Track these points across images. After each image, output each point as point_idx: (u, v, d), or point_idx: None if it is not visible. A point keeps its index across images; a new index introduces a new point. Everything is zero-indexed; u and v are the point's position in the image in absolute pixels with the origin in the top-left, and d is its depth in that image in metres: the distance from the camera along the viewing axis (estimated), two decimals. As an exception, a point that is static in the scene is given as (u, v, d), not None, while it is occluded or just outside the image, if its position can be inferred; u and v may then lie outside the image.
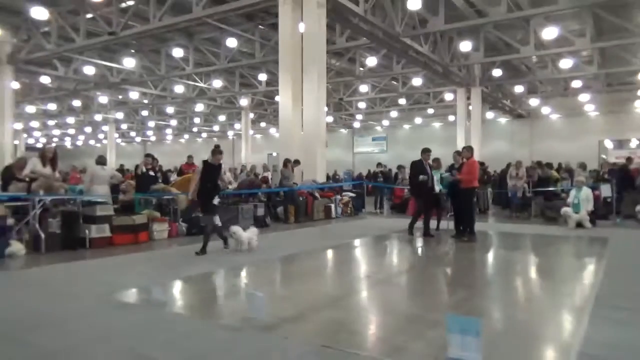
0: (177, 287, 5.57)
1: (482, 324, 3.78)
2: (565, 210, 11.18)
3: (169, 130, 43.54)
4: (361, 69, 20.77)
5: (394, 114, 32.89)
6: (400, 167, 17.84)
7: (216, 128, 40.03)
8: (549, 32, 15.22)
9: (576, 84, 23.92)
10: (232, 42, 17.37)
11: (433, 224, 10.07)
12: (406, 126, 36.24)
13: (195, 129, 41.48)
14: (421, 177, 9.48)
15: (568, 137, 29.37)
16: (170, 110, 32.48)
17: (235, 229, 7.51)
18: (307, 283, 5.94)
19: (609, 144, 28.93)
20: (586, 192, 11.22)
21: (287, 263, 7.33)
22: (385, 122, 35.88)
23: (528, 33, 16.16)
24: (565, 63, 18.89)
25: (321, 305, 4.69)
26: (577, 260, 7.88)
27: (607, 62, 20.50)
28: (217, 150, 7.84)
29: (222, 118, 35.12)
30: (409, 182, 10.02)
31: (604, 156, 28.01)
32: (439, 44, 17.77)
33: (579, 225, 10.86)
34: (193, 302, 5.09)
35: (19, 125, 34.25)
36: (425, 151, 9.81)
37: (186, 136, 46.23)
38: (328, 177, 20.75)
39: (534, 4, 14.31)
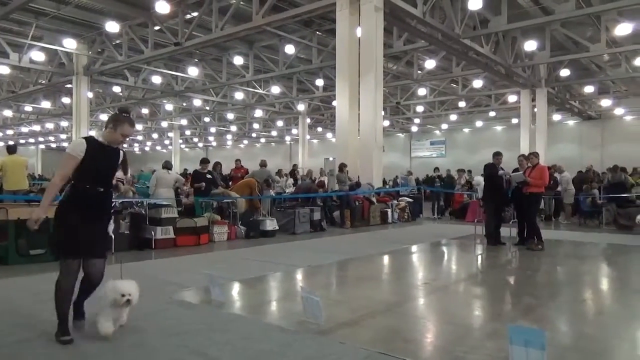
0: (236, 288, 5.72)
1: (547, 336, 3.60)
2: (641, 218, 10.43)
3: (229, 136, 44.92)
4: (419, 72, 20.45)
5: (453, 117, 32.06)
6: (460, 171, 17.40)
7: (274, 133, 40.86)
8: (623, 28, 14.28)
9: (654, 82, 22.26)
10: (290, 49, 17.70)
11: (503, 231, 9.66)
12: (466, 129, 35.23)
13: (254, 134, 42.53)
14: (501, 172, 9.15)
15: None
16: (230, 116, 33.56)
17: (111, 283, 3.73)
18: (362, 288, 5.90)
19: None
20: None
21: (342, 267, 7.33)
22: (444, 126, 35.05)
23: (599, 30, 15.25)
24: (641, 61, 17.62)
25: (377, 311, 4.65)
26: (654, 272, 7.32)
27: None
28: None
29: (280, 123, 35.84)
30: (485, 184, 9.60)
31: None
32: (501, 44, 17.15)
33: (657, 234, 10.09)
34: (250, 303, 5.21)
35: (93, 132, 36.67)
36: (497, 154, 9.46)
37: (245, 141, 47.51)
38: (385, 182, 20.60)
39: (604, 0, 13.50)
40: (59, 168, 3.63)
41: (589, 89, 23.84)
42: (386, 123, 31.90)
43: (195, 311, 4.56)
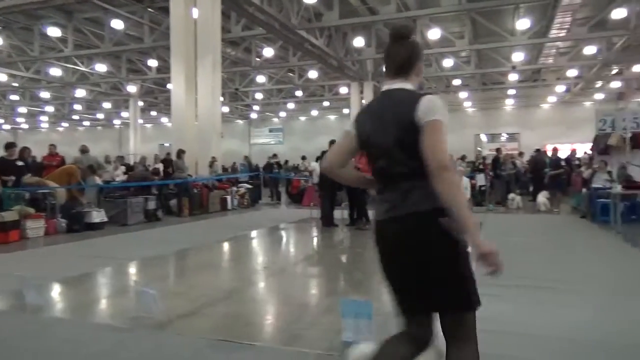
0: (57, 289, 5.10)
1: (374, 306, 3.97)
2: (447, 198, 12.17)
3: (44, 118, 39.43)
4: (257, 59, 20.56)
5: (290, 105, 33.11)
6: (303, 158, 18.50)
7: (100, 116, 37.14)
8: (433, 33, 16.34)
9: (456, 82, 26.07)
10: (117, 24, 16.16)
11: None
12: (302, 118, 36.74)
13: (75, 117, 38.06)
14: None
15: (450, 130, 30.97)
16: (45, 95, 29.40)
17: None
18: (202, 277, 5.77)
19: (483, 137, 31.97)
20: (465, 181, 12.29)
21: (180, 258, 7.06)
22: (282, 114, 36.02)
23: (415, 32, 17.19)
24: (447, 62, 20.43)
25: (217, 299, 4.59)
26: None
27: (483, 63, 22.58)
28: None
29: (107, 105, 32.62)
30: (321, 172, 10.04)
31: (479, 148, 30.95)
32: (334, 38, 18.20)
33: (459, 211, 11.86)
34: (75, 304, 4.68)
35: None
36: (333, 143, 9.97)
37: (65, 124, 42.27)
38: (225, 169, 20.37)
39: (420, 6, 15.27)
40: None
41: (407, 85, 26.79)
42: (225, 109, 31.44)
43: (4, 319, 3.93)
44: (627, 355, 3.04)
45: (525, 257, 6.22)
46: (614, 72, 25.15)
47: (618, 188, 8.62)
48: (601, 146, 10.81)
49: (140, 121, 31.34)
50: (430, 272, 1.82)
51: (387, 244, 1.92)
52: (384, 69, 2.04)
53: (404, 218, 1.83)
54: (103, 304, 4.71)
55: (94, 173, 10.80)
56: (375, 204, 2.03)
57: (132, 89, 26.96)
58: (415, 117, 1.82)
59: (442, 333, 1.90)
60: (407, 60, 1.96)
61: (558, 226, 6.49)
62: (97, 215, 9.52)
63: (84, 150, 11.68)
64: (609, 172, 10.19)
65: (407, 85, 1.96)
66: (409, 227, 1.82)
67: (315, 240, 8.71)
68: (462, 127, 31.72)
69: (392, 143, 1.87)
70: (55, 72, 22.81)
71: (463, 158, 15.93)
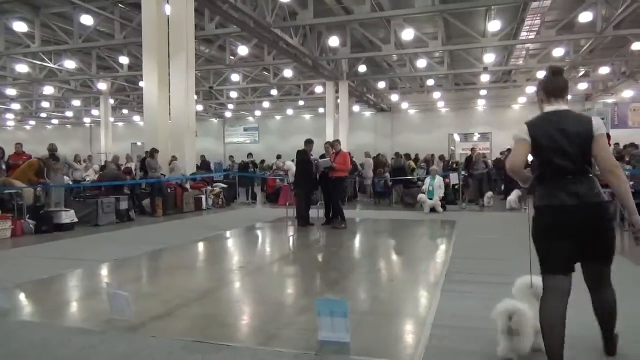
0: (25, 292, 4.94)
1: (349, 305, 3.99)
2: (420, 196, 12.34)
3: (9, 115, 38.18)
4: (232, 57, 20.39)
5: (265, 104, 32.95)
6: (278, 157, 18.44)
7: (70, 114, 36.20)
8: (407, 33, 16.50)
9: (430, 82, 26.42)
10: (87, 20, 15.77)
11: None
12: (278, 117, 36.60)
13: (43, 114, 36.99)
14: (312, 158, 9.71)
15: (423, 130, 32.34)
16: (11, 92, 28.46)
17: None
18: (176, 278, 5.69)
19: (456, 137, 32.49)
20: (439, 180, 12.47)
21: (154, 258, 6.94)
22: (257, 112, 35.80)
23: (389, 33, 17.33)
24: (421, 63, 20.66)
25: (191, 300, 4.53)
26: (430, 241, 8.74)
27: (455, 64, 22.95)
28: None
29: (77, 103, 31.79)
30: (296, 170, 10.00)
31: (452, 147, 31.46)
32: (309, 37, 18.18)
33: (433, 209, 12.04)
34: (44, 307, 4.55)
35: None
36: (309, 142, 10.00)
37: (32, 122, 41.03)
38: (198, 167, 20.13)
39: (394, 6, 15.40)
40: None
41: (381, 84, 27.05)
42: (199, 107, 31.08)
43: (-32, 324, 3.80)
44: (593, 350, 3.14)
45: (495, 254, 6.36)
46: (581, 73, 25.94)
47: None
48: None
49: (112, 119, 30.69)
50: (603, 240, 2.73)
51: (573, 220, 2.67)
52: (544, 95, 2.86)
53: (594, 204, 2.66)
54: (73, 306, 4.59)
55: (57, 160, 10.33)
56: (539, 195, 2.82)
57: (102, 86, 26.35)
58: (592, 131, 2.64)
59: (593, 281, 2.84)
60: (565, 88, 2.82)
61: (526, 224, 6.61)
62: (67, 216, 9.28)
63: (51, 149, 11.31)
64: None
65: (567, 106, 2.81)
66: (598, 211, 2.68)
67: (290, 239, 8.70)
68: (435, 127, 32.20)
69: (576, 149, 2.65)
70: (22, 68, 22.10)
71: (441, 158, 16.32)
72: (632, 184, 8.66)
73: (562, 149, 2.66)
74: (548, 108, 2.81)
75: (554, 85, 2.82)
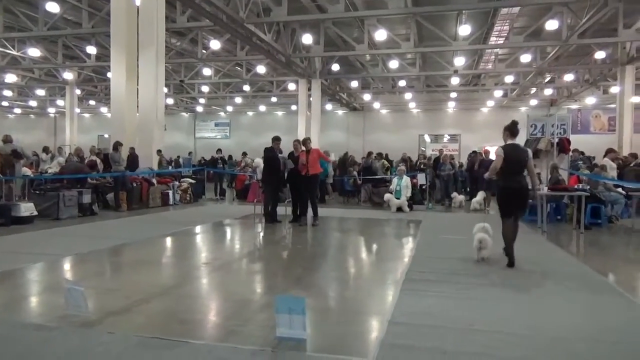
0: (-23, 286, 4.79)
1: (311, 302, 4.03)
2: (387, 196, 12.50)
3: (-31, 103, 36.67)
4: (204, 51, 20.11)
5: (238, 100, 32.65)
6: (244, 154, 18.25)
7: (33, 104, 35.02)
8: (380, 34, 16.64)
9: (402, 83, 26.73)
10: (53, 7, 15.28)
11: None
12: (250, 113, 36.33)
13: (5, 103, 35.65)
14: (280, 156, 9.81)
15: (394, 130, 32.70)
16: (-29, 79, 27.33)
17: None
18: (138, 274, 5.62)
19: (427, 137, 33.00)
20: (406, 180, 12.65)
21: (117, 253, 6.82)
22: (229, 108, 35.45)
23: (363, 33, 17.44)
24: (393, 64, 20.89)
25: (152, 296, 4.49)
26: (395, 240, 8.86)
27: (427, 66, 23.29)
28: None
29: (41, 93, 30.77)
30: (264, 167, 9.95)
31: (423, 148, 31.92)
32: (282, 34, 18.11)
33: (400, 209, 12.21)
34: (-3, 302, 4.43)
35: None
36: (276, 139, 9.97)
37: (-7, 111, 39.52)
38: (168, 162, 19.84)
39: (368, 6, 15.51)
40: None
41: (354, 84, 27.20)
42: (170, 101, 30.57)
43: None
44: (549, 348, 3.27)
45: (456, 254, 6.51)
46: (547, 80, 26.72)
47: (544, 189, 9.19)
48: (531, 149, 11.41)
49: (78, 110, 29.83)
50: (525, 203, 6.16)
51: (516, 193, 5.79)
52: (509, 134, 5.93)
53: (524, 188, 5.83)
54: (29, 301, 4.48)
55: (19, 158, 10.07)
56: (504, 180, 5.82)
57: (68, 76, 25.57)
58: (527, 156, 5.86)
59: (514, 220, 5.91)
60: (518, 132, 5.96)
61: (497, 232, 6.84)
62: (26, 209, 9.00)
63: (5, 140, 10.87)
64: (538, 174, 10.80)
65: (517, 141, 5.97)
66: (525, 190, 5.85)
67: (257, 236, 8.68)
68: (406, 127, 32.60)
69: (520, 163, 5.79)
70: (-18, 54, 21.25)
71: (405, 159, 16.72)
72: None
73: (515, 161, 5.77)
74: (510, 141, 5.89)
75: (514, 132, 5.91)
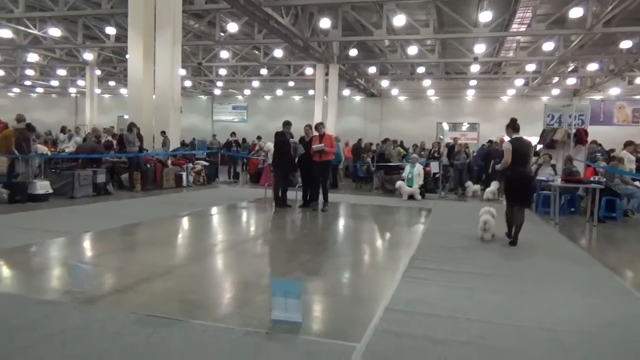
0: (-12, 260, 4.94)
1: (311, 286, 4.06)
2: (399, 183, 12.43)
3: (-7, 81, 37.35)
4: (222, 34, 20.08)
5: (255, 83, 32.61)
6: (259, 138, 18.34)
7: (55, 83, 35.53)
8: (399, 19, 16.38)
9: (420, 69, 26.33)
10: (73, -14, 15.42)
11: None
12: (267, 97, 36.31)
13: (28, 82, 36.26)
14: (291, 140, 9.76)
15: (412, 117, 32.37)
16: (-5, 57, 27.85)
17: None
18: (145, 253, 5.73)
19: (445, 125, 32.58)
20: (419, 168, 12.55)
21: (127, 233, 6.94)
22: (247, 91, 35.46)
23: (382, 17, 17.19)
24: (412, 49, 20.57)
25: (155, 275, 4.56)
26: (404, 227, 8.83)
27: (446, 52, 22.88)
28: None
29: (62, 72, 31.18)
30: (274, 151, 9.99)
31: (441, 136, 31.54)
32: (300, 17, 17.96)
33: (412, 197, 12.14)
34: (5, 277, 4.56)
35: None
36: (287, 124, 9.96)
37: (16, 89, 40.22)
38: (183, 144, 20.00)
39: (386, -10, 15.25)
40: None
41: (372, 69, 26.91)
42: (188, 83, 30.70)
43: None
44: (539, 340, 3.24)
45: (462, 243, 6.47)
46: (570, 69, 26.04)
47: (558, 181, 9.02)
48: (547, 140, 11.21)
49: (98, 91, 30.19)
50: (529, 191, 7.22)
51: (522, 182, 6.53)
52: (512, 130, 6.66)
53: (530, 177, 6.90)
54: (36, 277, 4.59)
55: (32, 131, 10.21)
56: (511, 170, 6.48)
57: (88, 56, 25.84)
58: (530, 148, 7.02)
59: (518, 207, 6.55)
60: (519, 127, 6.66)
61: (500, 216, 6.87)
62: (42, 187, 9.20)
63: (19, 120, 11.04)
64: (553, 166, 10.61)
65: (520, 135, 6.65)
66: (530, 179, 6.98)
67: (265, 220, 8.74)
68: (424, 115, 32.24)
69: (526, 154, 6.59)
70: (5, 33, 21.56)
71: (416, 147, 16.62)
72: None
73: (522, 153, 6.44)
74: (514, 135, 6.56)
75: (515, 127, 6.61)
